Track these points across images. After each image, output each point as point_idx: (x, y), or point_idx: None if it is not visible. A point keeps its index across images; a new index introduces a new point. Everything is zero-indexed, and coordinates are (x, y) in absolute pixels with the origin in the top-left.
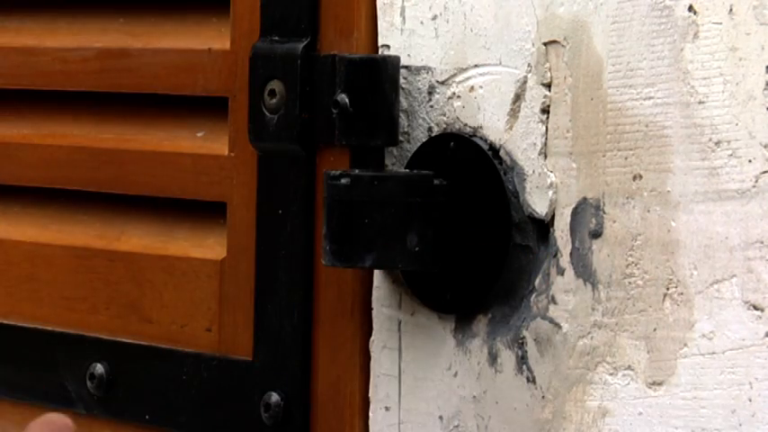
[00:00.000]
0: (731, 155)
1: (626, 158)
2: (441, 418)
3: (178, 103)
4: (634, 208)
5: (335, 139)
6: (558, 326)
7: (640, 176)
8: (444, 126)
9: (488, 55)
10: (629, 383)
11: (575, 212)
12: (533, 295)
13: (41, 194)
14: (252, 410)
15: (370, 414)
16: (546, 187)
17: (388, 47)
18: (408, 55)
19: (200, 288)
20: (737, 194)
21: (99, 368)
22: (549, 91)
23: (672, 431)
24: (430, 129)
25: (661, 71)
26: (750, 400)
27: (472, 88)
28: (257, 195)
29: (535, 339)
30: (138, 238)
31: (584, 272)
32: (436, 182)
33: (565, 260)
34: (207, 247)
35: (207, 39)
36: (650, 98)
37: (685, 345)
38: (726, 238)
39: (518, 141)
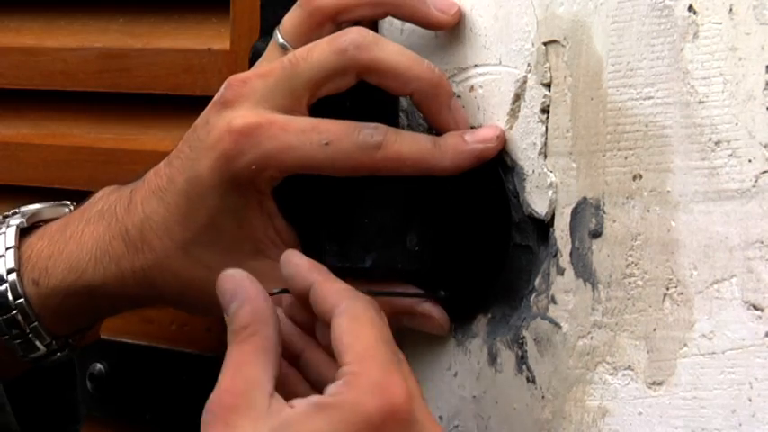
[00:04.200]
0: (731, 155)
1: (626, 158)
2: (440, 418)
3: (178, 103)
4: (634, 208)
5: None
6: (557, 326)
7: (640, 176)
8: None
9: (488, 55)
10: (629, 383)
11: (575, 212)
12: (533, 295)
13: (41, 194)
14: None
15: None
16: (546, 187)
17: None
18: None
19: None
20: (737, 194)
21: (99, 368)
22: (549, 91)
23: (672, 431)
24: (430, 129)
25: (661, 71)
26: (750, 400)
27: (472, 88)
28: None
29: (535, 339)
30: None
31: (584, 272)
32: (436, 182)
33: (565, 260)
34: None
35: (207, 39)
36: (650, 98)
37: (685, 345)
38: (726, 238)
39: (518, 141)
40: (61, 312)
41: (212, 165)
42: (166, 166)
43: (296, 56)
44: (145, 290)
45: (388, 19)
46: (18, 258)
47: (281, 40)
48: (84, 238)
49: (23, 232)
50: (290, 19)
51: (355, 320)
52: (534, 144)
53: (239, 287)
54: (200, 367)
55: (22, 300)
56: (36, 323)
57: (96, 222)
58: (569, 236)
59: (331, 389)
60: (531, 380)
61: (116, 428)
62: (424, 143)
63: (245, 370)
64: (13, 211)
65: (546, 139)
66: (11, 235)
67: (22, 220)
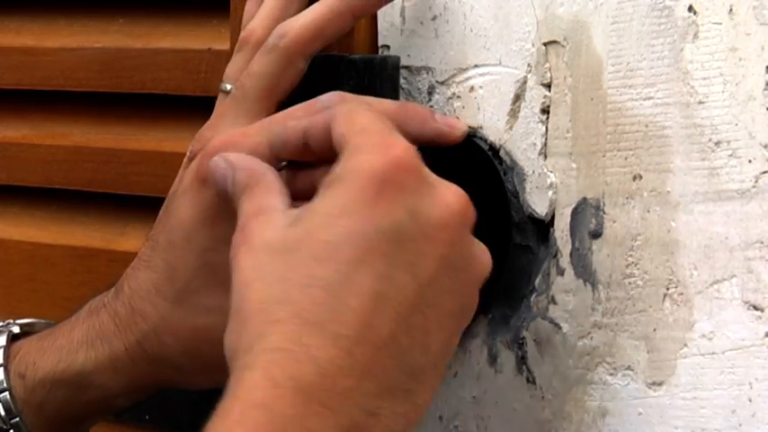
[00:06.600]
0: (731, 155)
1: (626, 158)
2: (440, 418)
3: (178, 103)
4: (634, 208)
5: None
6: (557, 326)
7: (640, 176)
8: None
9: (488, 55)
10: (629, 383)
11: (575, 212)
12: (533, 295)
13: (41, 194)
14: None
15: None
16: (546, 187)
17: (387, 47)
18: (408, 55)
19: None
20: (737, 194)
21: None
22: (549, 91)
23: (672, 431)
24: None
25: (661, 71)
26: (750, 400)
27: (472, 88)
28: None
29: (535, 340)
30: (138, 239)
31: (584, 272)
32: None
33: (565, 260)
34: None
35: (207, 39)
36: (650, 98)
37: (685, 345)
38: (726, 238)
39: (518, 141)
40: (46, 409)
41: (191, 200)
42: (147, 240)
43: (240, 79)
44: (141, 370)
45: (388, 19)
46: (6, 355)
47: (227, 87)
48: (74, 331)
49: (15, 337)
50: (232, 65)
51: (348, 113)
52: (534, 144)
53: (228, 165)
54: None
55: (6, 393)
56: (18, 419)
57: (86, 318)
58: (569, 236)
59: (334, 168)
60: (532, 380)
61: (115, 429)
62: (387, 105)
63: (261, 199)
64: (6, 321)
65: (546, 139)
66: (1, 337)
67: (16, 326)
